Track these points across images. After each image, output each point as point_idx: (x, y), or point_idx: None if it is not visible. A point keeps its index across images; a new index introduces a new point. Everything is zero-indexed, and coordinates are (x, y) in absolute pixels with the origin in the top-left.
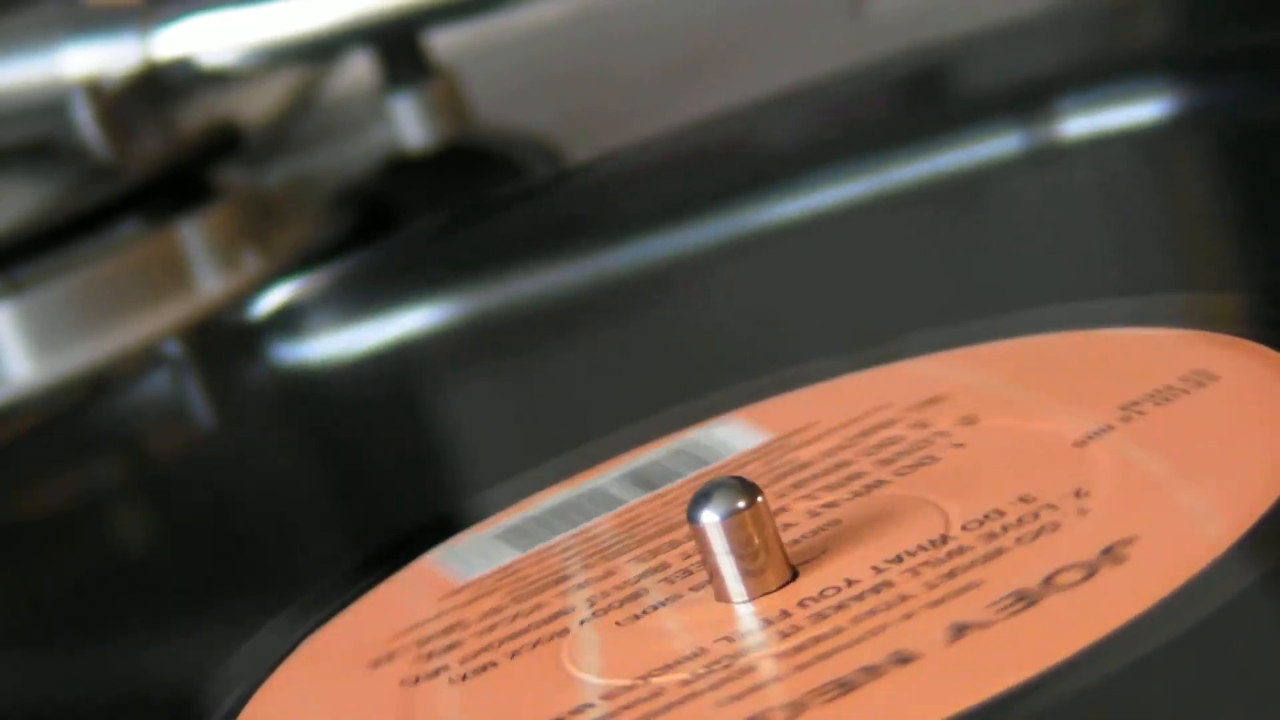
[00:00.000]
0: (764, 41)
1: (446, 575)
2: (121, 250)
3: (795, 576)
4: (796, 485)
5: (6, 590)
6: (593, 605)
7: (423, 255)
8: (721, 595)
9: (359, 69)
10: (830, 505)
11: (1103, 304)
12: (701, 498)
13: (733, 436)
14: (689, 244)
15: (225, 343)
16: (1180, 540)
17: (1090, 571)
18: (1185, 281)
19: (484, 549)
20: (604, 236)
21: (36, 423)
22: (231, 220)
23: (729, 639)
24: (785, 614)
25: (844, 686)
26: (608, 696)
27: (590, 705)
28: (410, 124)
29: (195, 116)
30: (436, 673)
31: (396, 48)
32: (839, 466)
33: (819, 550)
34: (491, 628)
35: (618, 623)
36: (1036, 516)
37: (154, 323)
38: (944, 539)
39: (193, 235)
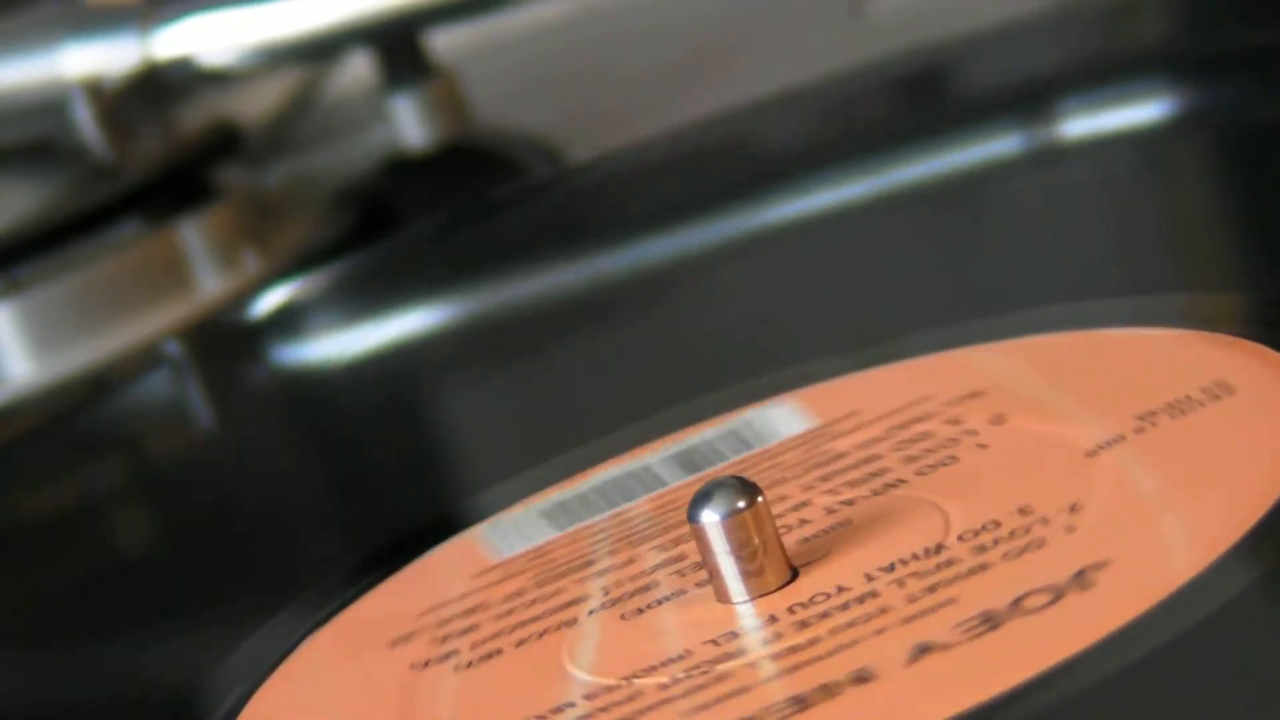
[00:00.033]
0: (764, 41)
1: (485, 551)
2: (121, 250)
3: (795, 577)
4: (824, 478)
5: (7, 590)
6: (605, 595)
7: (423, 255)
8: (721, 595)
9: (359, 69)
10: (847, 503)
11: (1103, 304)
12: (702, 497)
13: (783, 420)
14: (689, 244)
15: (225, 343)
16: (1149, 568)
17: (1057, 596)
18: (1186, 282)
19: (526, 525)
20: (604, 237)
21: (36, 423)
22: (231, 220)
23: (715, 642)
24: (773, 619)
25: (800, 704)
26: (590, 696)
27: (571, 704)
28: (410, 124)
29: (195, 116)
30: (446, 657)
31: (396, 48)
32: (868, 461)
33: (823, 551)
34: (509, 612)
35: (622, 616)
36: (1028, 531)
37: (154, 323)
38: (938, 548)
39: (193, 235)
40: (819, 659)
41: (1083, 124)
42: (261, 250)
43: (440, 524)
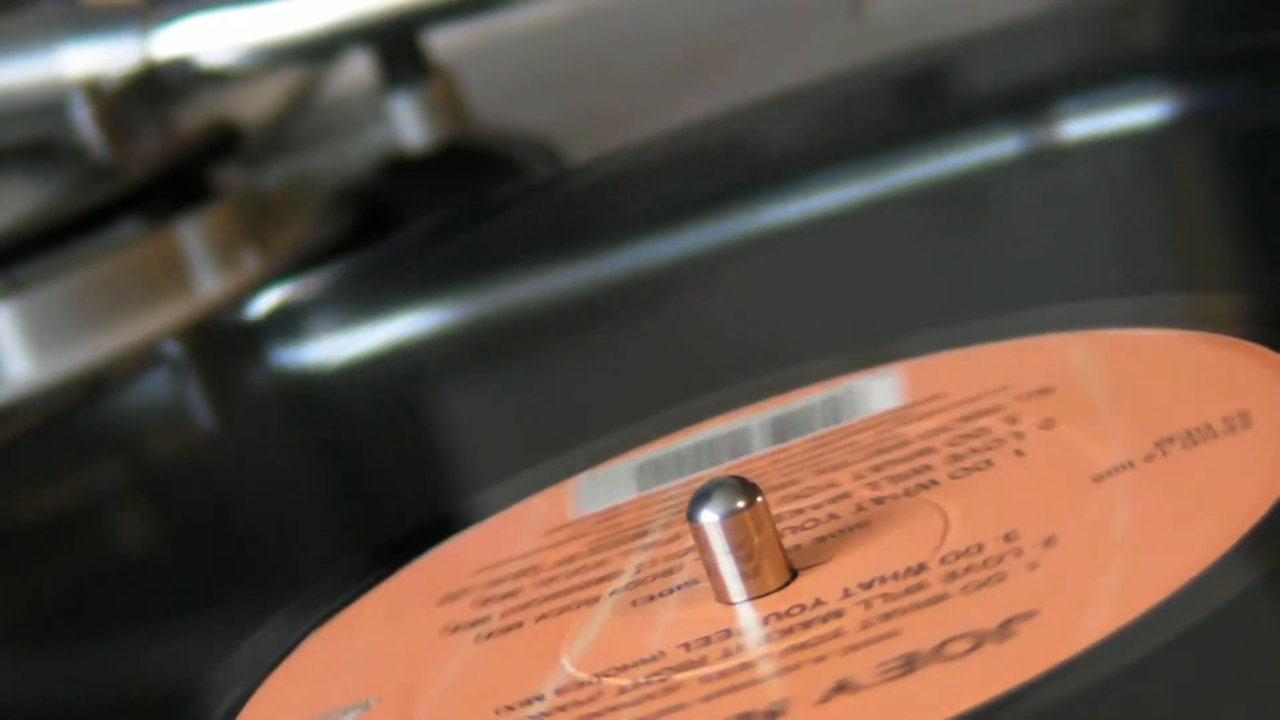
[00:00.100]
0: (764, 41)
1: (569, 505)
2: (121, 250)
3: (794, 578)
4: (877, 468)
5: (7, 590)
6: (635, 574)
7: (422, 256)
8: (719, 595)
9: (358, 69)
10: (878, 500)
11: (1104, 304)
12: (701, 497)
13: (879, 394)
14: (689, 244)
15: (224, 343)
16: (1068, 626)
17: (977, 644)
18: (1186, 282)
19: (615, 481)
20: (603, 237)
21: (36, 423)
22: (231, 220)
23: (687, 646)
24: (746, 629)
25: None
26: (561, 691)
27: (540, 698)
28: (409, 124)
29: (195, 116)
30: (475, 624)
31: (396, 48)
32: (921, 454)
33: (828, 555)
34: (552, 580)
35: (634, 602)
36: (1000, 561)
37: (153, 323)
38: (920, 568)
39: (192, 235)
40: (756, 683)
41: (1083, 124)
42: (261, 250)
43: (439, 524)
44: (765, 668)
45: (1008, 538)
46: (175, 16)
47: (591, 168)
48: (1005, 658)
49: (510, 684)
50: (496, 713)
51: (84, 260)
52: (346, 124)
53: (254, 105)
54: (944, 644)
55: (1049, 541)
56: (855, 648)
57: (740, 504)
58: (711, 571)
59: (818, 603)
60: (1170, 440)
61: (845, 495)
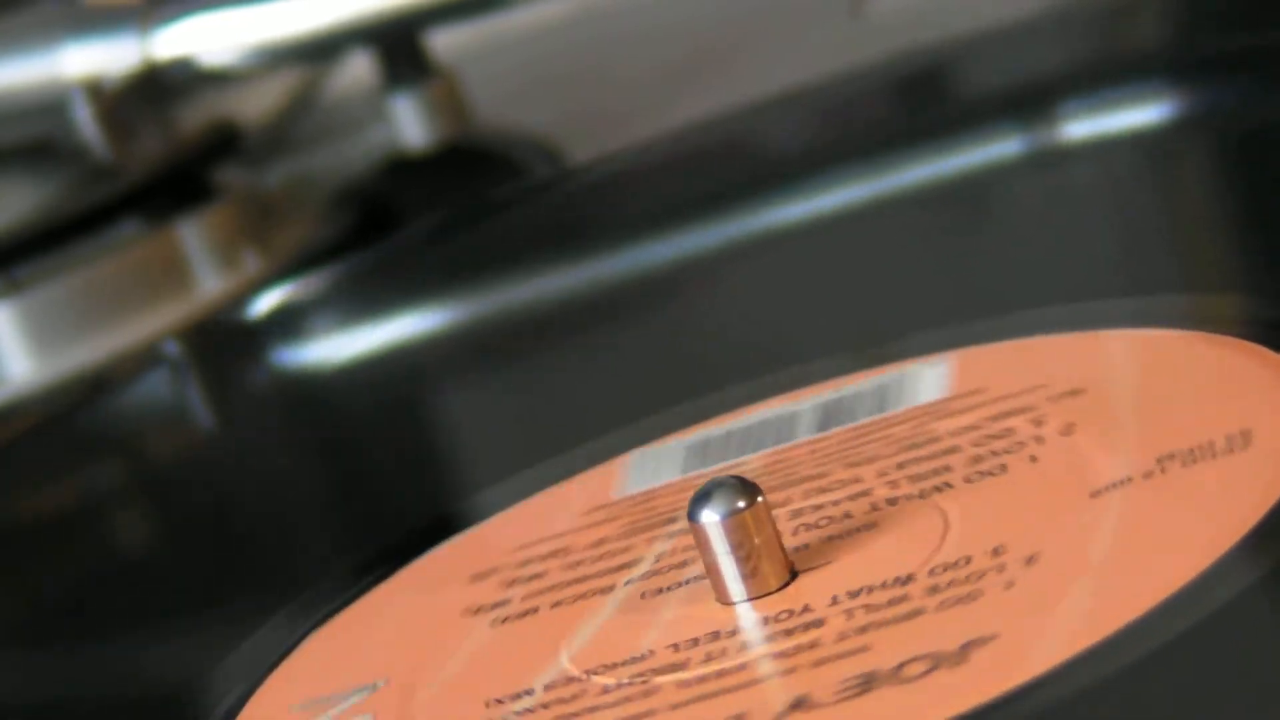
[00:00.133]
0: (764, 41)
1: (616, 483)
2: (121, 250)
3: (793, 579)
4: (901, 465)
5: (7, 590)
6: (654, 564)
7: (422, 256)
8: (719, 594)
9: (359, 69)
10: (892, 501)
11: (1104, 304)
12: (702, 497)
13: (925, 384)
14: (689, 245)
15: (224, 343)
16: (1023, 652)
17: (934, 666)
18: (1187, 283)
19: (663, 460)
20: (604, 237)
21: (36, 422)
22: (231, 220)
23: (676, 647)
24: (732, 633)
25: None
26: (550, 686)
27: (529, 693)
28: (410, 124)
29: (195, 116)
30: (496, 606)
31: (396, 48)
32: (946, 453)
33: (830, 557)
34: (578, 563)
35: (643, 595)
36: (981, 577)
37: (154, 323)
38: (908, 579)
39: (192, 235)
40: (724, 693)
41: (1084, 125)
42: (261, 250)
43: (439, 524)
44: (737, 677)
45: (995, 552)
46: (175, 16)
47: (591, 168)
48: (957, 683)
49: (508, 674)
50: (487, 705)
51: (84, 260)
52: (347, 124)
53: (254, 105)
54: (903, 664)
55: (1031, 559)
56: (825, 661)
57: (740, 504)
58: (711, 571)
59: (805, 609)
60: (1172, 456)
61: (864, 493)
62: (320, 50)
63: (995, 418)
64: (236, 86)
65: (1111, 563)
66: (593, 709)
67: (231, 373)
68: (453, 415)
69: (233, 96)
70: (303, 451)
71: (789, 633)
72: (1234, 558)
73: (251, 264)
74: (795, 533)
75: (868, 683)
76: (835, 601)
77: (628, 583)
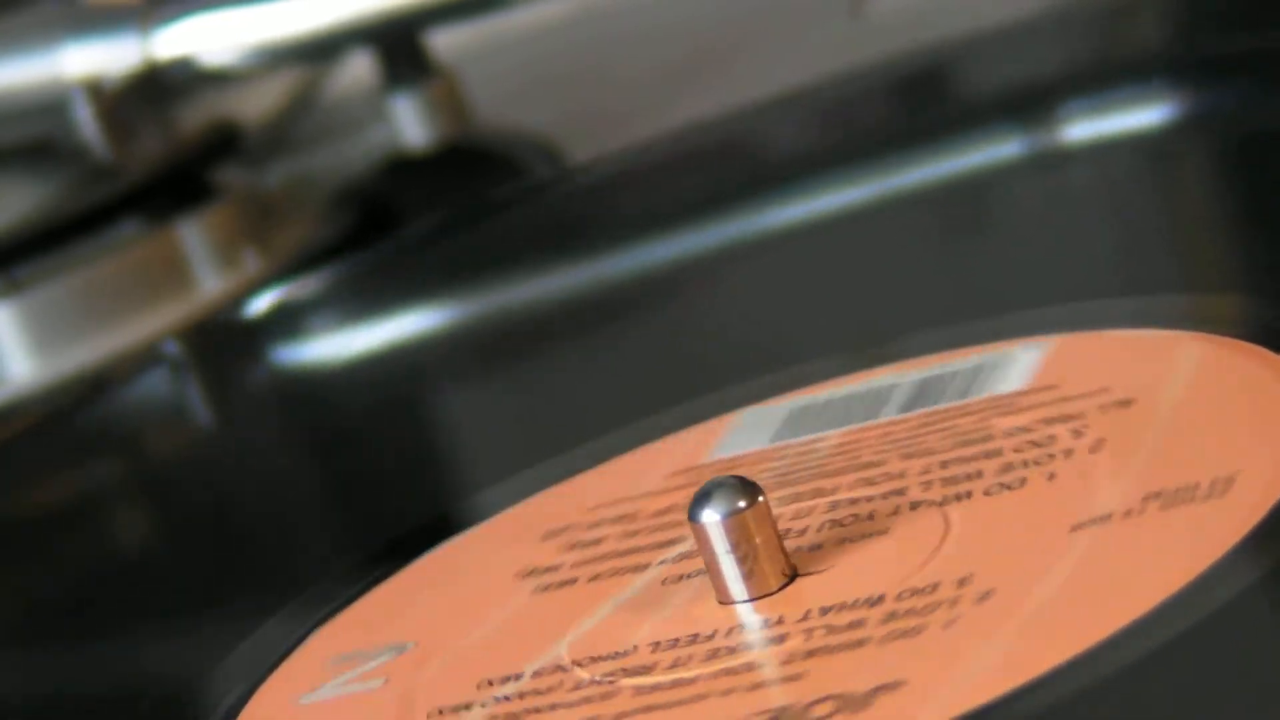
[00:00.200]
0: (764, 41)
1: (712, 445)
2: (121, 250)
3: (791, 581)
4: (945, 464)
5: (7, 589)
6: (690, 546)
7: (422, 255)
8: (719, 593)
9: (359, 69)
10: (914, 506)
11: (1104, 304)
12: (703, 496)
13: (1013, 371)
14: (688, 245)
15: (224, 342)
16: (928, 699)
17: (837, 710)
18: (1187, 284)
19: (762, 423)
20: (604, 237)
21: (36, 421)
22: (231, 220)
23: (655, 647)
24: (708, 638)
25: None
26: (538, 674)
27: (518, 677)
28: (410, 124)
29: (195, 116)
30: (545, 571)
31: (396, 48)
32: (987, 455)
33: (832, 562)
34: (635, 533)
35: (664, 581)
36: (933, 610)
37: (154, 323)
38: (878, 600)
39: (192, 235)
40: (659, 709)
41: (1084, 126)
42: (261, 250)
43: (438, 524)
44: (681, 692)
45: (960, 582)
46: (176, 16)
47: (591, 168)
48: None
49: (514, 653)
50: (479, 686)
51: (84, 260)
52: (347, 124)
53: (255, 105)
54: (814, 703)
55: (984, 596)
56: (760, 686)
57: (740, 504)
58: (711, 570)
59: (779, 621)
60: (1157, 495)
61: (898, 492)
62: (320, 50)
63: (1047, 421)
64: (236, 86)
65: (1044, 611)
66: (554, 706)
67: (231, 372)
68: (452, 415)
69: (233, 96)
70: (302, 451)
71: (750, 647)
72: (1234, 558)
73: (251, 264)
74: (820, 528)
75: None
76: (806, 617)
77: (660, 563)
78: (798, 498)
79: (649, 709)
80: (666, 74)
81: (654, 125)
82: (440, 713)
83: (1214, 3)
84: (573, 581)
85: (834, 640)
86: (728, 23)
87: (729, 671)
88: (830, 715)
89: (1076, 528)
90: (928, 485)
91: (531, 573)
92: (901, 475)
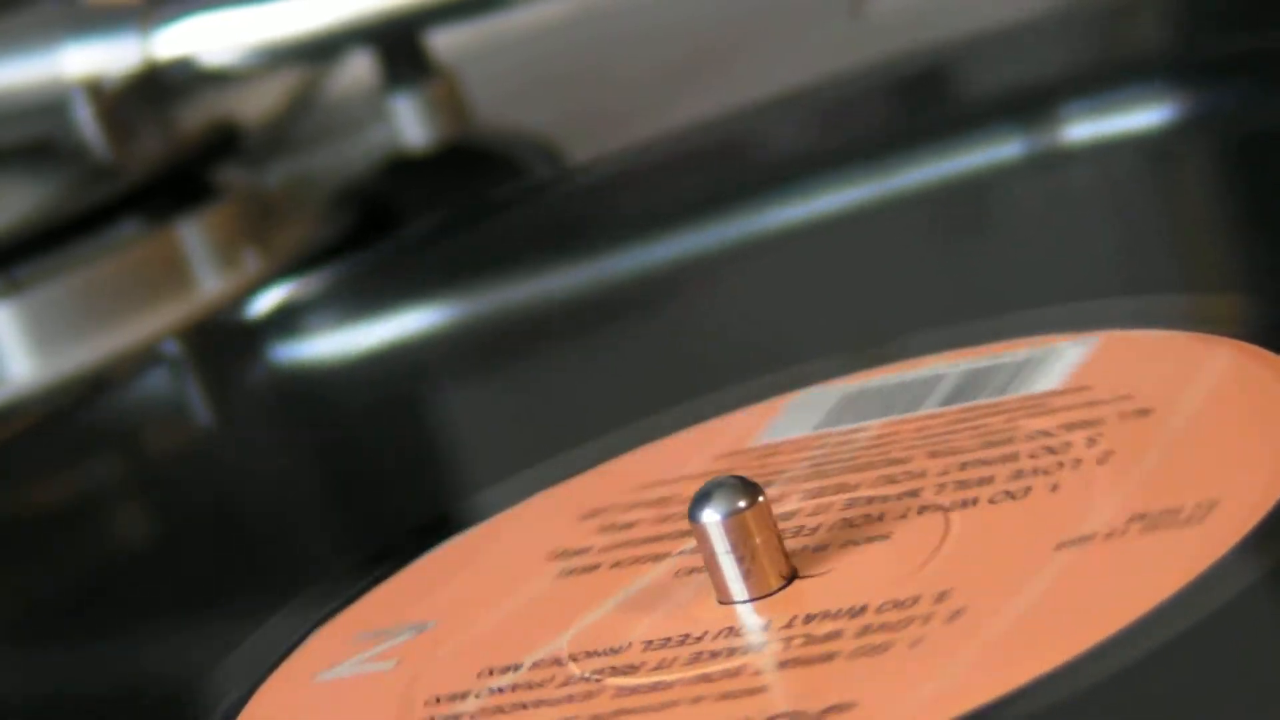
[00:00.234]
0: (764, 41)
1: (764, 426)
2: (121, 250)
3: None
4: (964, 466)
5: (8, 588)
6: None
7: (421, 255)
8: (718, 591)
9: (359, 69)
10: (921, 511)
11: (1104, 304)
12: (703, 496)
13: (1056, 369)
14: (688, 245)
15: (224, 342)
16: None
17: None
18: (1187, 284)
19: (811, 409)
20: (604, 237)
21: (36, 421)
22: (231, 220)
23: (648, 645)
24: (696, 641)
25: None
26: (535, 666)
27: (517, 668)
28: (410, 124)
29: (195, 116)
30: (574, 554)
31: (396, 48)
32: (1003, 460)
33: (829, 566)
34: (666, 519)
35: (677, 572)
36: (904, 627)
37: (154, 322)
38: (858, 612)
39: (192, 235)
40: (637, 711)
41: (1084, 127)
42: (261, 250)
43: (438, 523)
44: (655, 698)
45: (939, 597)
46: (176, 16)
47: (591, 168)
48: None
49: (519, 641)
50: (479, 675)
51: (84, 260)
52: (347, 124)
53: (255, 105)
54: (774, 718)
55: (956, 614)
56: (730, 697)
57: (740, 504)
58: (711, 569)
59: (765, 626)
60: (1142, 517)
61: (912, 494)
62: (320, 50)
63: (1068, 426)
64: (236, 86)
65: (1007, 635)
66: (540, 703)
67: (231, 372)
68: (452, 414)
69: (233, 96)
70: (302, 451)
71: (731, 653)
72: (1234, 558)
73: (251, 264)
74: (832, 528)
75: None
76: (790, 624)
77: (680, 553)
78: (821, 492)
79: (622, 713)
80: (666, 74)
81: (654, 125)
82: (438, 700)
83: (1214, 3)
84: (595, 568)
85: (808, 652)
86: (728, 23)
87: (704, 678)
88: None
89: (1060, 546)
90: (941, 488)
91: (561, 554)
92: (922, 475)
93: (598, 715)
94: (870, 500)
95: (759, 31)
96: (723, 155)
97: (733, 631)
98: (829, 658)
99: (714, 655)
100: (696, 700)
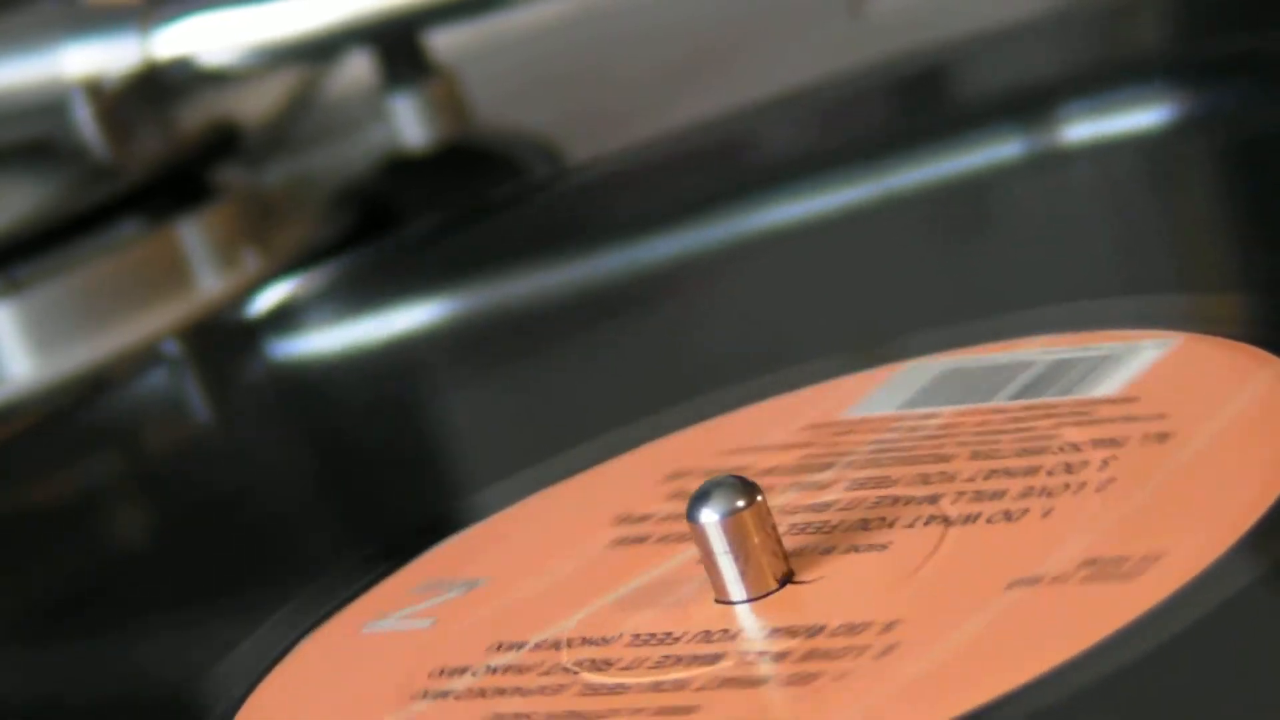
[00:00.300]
0: (764, 41)
1: (860, 398)
2: (121, 250)
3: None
4: (989, 475)
5: (6, 589)
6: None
7: (421, 253)
8: (716, 590)
9: (359, 69)
10: (933, 519)
11: (1104, 304)
12: (701, 496)
13: (1120, 372)
14: (688, 245)
15: (223, 340)
16: None
17: None
18: (1186, 284)
19: (908, 384)
20: (603, 237)
21: (36, 421)
22: (231, 220)
23: (634, 639)
24: (669, 643)
25: None
26: (536, 648)
27: (520, 646)
28: (410, 123)
29: (195, 116)
30: (638, 521)
31: (396, 47)
32: (1024, 473)
33: (826, 572)
34: None
35: (698, 559)
36: (839, 657)
37: (153, 322)
38: (815, 632)
39: (192, 235)
40: (585, 715)
41: (1084, 127)
42: (261, 250)
43: (437, 523)
44: (611, 702)
45: (886, 627)
46: (175, 16)
47: (590, 167)
48: None
49: (537, 616)
50: (488, 649)
51: (84, 260)
52: (347, 124)
53: (254, 105)
54: None
55: (888, 650)
56: (661, 713)
57: (739, 504)
58: (709, 568)
59: (737, 634)
60: (1091, 564)
61: (934, 499)
62: (320, 50)
63: (1097, 442)
64: (236, 86)
65: (922, 679)
66: (518, 690)
67: (231, 371)
68: (450, 413)
69: (232, 96)
70: (302, 450)
71: (693, 660)
72: (1234, 558)
73: (251, 263)
74: (847, 528)
75: None
76: (759, 634)
77: None
78: (863, 484)
79: (573, 715)
80: (666, 74)
81: (654, 125)
82: (442, 673)
83: (1214, 3)
84: (642, 540)
85: (750, 673)
86: (728, 23)
87: (655, 687)
88: None
89: (1013, 584)
90: (959, 496)
91: (624, 519)
92: (953, 478)
93: (553, 714)
94: (894, 501)
95: (759, 31)
96: (722, 155)
97: (706, 637)
98: (761, 682)
99: (677, 662)
100: (634, 713)
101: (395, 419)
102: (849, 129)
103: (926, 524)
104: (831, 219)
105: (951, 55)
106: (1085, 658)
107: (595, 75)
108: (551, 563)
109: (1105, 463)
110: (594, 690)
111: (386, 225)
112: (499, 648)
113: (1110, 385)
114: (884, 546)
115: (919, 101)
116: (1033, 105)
